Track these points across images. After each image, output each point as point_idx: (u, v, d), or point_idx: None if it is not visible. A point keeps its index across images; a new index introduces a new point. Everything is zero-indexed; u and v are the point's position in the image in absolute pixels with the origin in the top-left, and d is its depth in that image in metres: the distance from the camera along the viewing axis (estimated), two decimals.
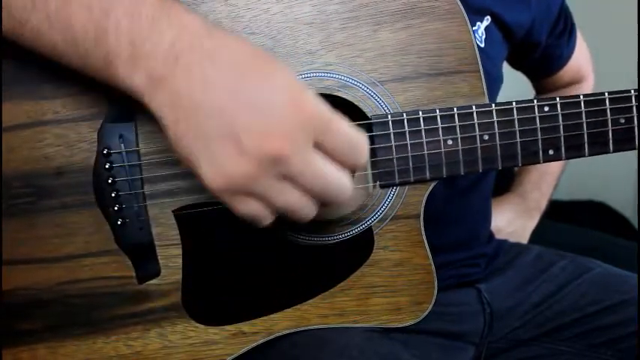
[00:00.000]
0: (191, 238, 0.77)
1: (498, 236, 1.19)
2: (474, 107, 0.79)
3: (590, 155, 0.83)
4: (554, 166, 1.32)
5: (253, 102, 0.60)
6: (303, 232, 0.79)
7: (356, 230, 0.80)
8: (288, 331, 0.80)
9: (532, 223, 1.31)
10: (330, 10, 0.77)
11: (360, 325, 0.82)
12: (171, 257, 0.77)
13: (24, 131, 0.73)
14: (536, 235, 1.30)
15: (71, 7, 0.64)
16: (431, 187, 0.81)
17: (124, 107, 0.74)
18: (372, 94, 0.78)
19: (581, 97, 0.81)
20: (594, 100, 0.81)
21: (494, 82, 1.01)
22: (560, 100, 0.80)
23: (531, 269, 1.09)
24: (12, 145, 0.73)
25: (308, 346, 0.80)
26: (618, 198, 2.15)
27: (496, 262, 1.11)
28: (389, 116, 0.78)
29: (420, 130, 0.78)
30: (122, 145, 0.74)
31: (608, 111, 0.82)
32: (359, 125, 0.81)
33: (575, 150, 0.82)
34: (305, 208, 0.64)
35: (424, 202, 0.81)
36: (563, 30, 1.17)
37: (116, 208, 0.75)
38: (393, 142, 0.78)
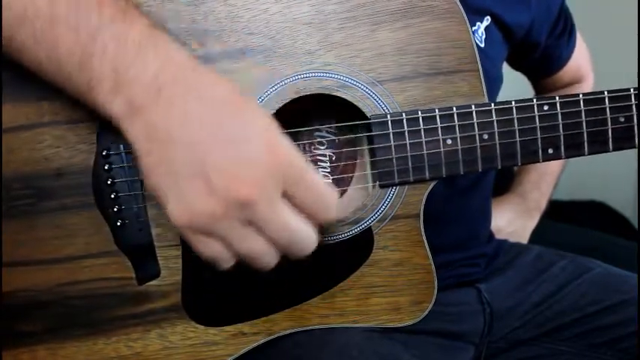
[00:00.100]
0: None
1: (498, 236, 1.19)
2: (473, 107, 0.79)
3: (589, 154, 0.83)
4: (554, 166, 1.32)
5: (230, 140, 0.60)
6: None
7: (355, 230, 0.80)
8: (288, 332, 0.80)
9: (532, 223, 1.31)
10: (328, 10, 0.77)
11: (360, 325, 0.82)
12: (171, 258, 0.77)
13: (24, 133, 0.73)
14: (536, 235, 1.30)
15: (58, 28, 0.63)
16: (430, 187, 0.81)
17: None
18: (371, 93, 0.78)
19: (581, 95, 0.81)
20: (594, 99, 0.81)
21: (494, 82, 1.01)
22: (559, 99, 0.80)
23: (531, 269, 1.09)
24: (12, 146, 0.73)
25: (308, 346, 0.80)
26: (618, 198, 2.14)
27: (496, 262, 1.11)
28: (388, 116, 0.78)
29: (419, 129, 0.78)
30: (121, 146, 0.74)
31: (608, 110, 0.82)
32: (358, 125, 0.81)
33: (574, 149, 0.82)
34: (266, 256, 0.63)
35: (424, 201, 0.81)
36: (563, 30, 1.17)
37: (115, 209, 0.75)
38: (392, 141, 0.78)
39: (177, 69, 0.63)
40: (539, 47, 1.13)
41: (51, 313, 0.76)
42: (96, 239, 0.75)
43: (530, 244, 1.23)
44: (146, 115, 0.61)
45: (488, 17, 0.99)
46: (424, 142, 0.79)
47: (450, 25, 0.79)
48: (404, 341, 0.87)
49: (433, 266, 0.82)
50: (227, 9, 0.75)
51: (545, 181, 1.32)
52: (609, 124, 0.82)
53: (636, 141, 0.84)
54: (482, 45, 0.98)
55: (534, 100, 0.80)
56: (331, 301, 0.80)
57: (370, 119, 0.78)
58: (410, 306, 0.82)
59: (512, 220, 1.28)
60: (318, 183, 0.63)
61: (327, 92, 0.77)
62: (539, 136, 0.80)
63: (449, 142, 0.79)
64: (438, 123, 0.78)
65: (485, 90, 0.80)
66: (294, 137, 0.83)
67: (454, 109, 0.78)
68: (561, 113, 0.80)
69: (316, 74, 0.77)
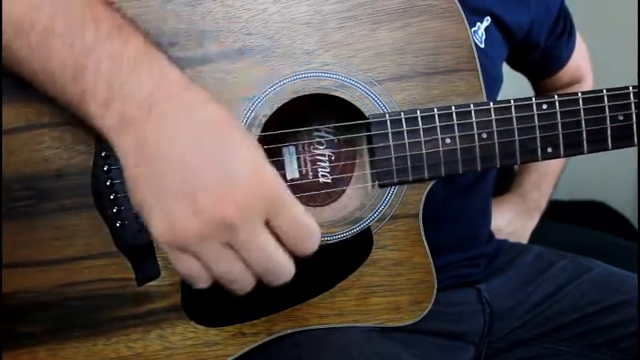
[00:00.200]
0: None
1: (498, 236, 1.19)
2: (471, 106, 0.79)
3: (589, 152, 0.83)
4: (554, 166, 1.32)
5: (218, 161, 0.60)
6: None
7: (355, 230, 0.80)
8: (288, 332, 0.80)
9: (532, 223, 1.31)
10: (326, 9, 0.77)
11: (360, 325, 0.82)
12: None
13: (23, 134, 0.73)
14: (536, 235, 1.30)
15: (52, 41, 0.63)
16: (429, 186, 0.81)
17: None
18: (370, 93, 0.78)
19: (580, 94, 0.81)
20: (592, 98, 0.81)
21: (494, 82, 1.02)
22: (558, 97, 0.80)
23: (531, 269, 1.09)
24: (12, 147, 0.73)
25: (308, 345, 0.80)
26: (618, 198, 2.14)
27: (496, 262, 1.11)
28: (387, 115, 0.78)
29: (418, 129, 0.78)
30: None
31: (607, 108, 0.82)
32: (357, 125, 0.81)
33: (573, 147, 0.82)
34: (243, 281, 0.63)
35: (423, 201, 0.81)
36: (563, 31, 1.17)
37: (115, 210, 0.75)
38: (391, 141, 0.78)
39: (171, 87, 0.63)
40: (539, 47, 1.14)
41: (51, 314, 0.76)
42: (95, 240, 0.75)
43: (530, 244, 1.22)
44: (137, 130, 0.61)
45: (488, 18, 1.00)
46: (423, 142, 0.79)
47: (449, 25, 0.79)
48: (404, 341, 0.87)
49: (432, 266, 0.82)
50: (225, 9, 0.76)
51: (546, 181, 1.32)
52: (608, 122, 0.82)
53: (635, 139, 0.84)
54: (483, 45, 0.98)
55: (533, 99, 0.80)
56: (331, 300, 0.80)
57: (369, 119, 0.78)
58: (409, 305, 0.82)
59: (512, 220, 1.28)
60: (301, 216, 0.63)
61: (325, 92, 0.77)
62: (538, 135, 0.80)
63: (448, 141, 0.79)
64: (437, 122, 0.79)
65: (483, 89, 0.80)
66: (294, 137, 0.83)
67: (453, 108, 0.79)
68: (560, 112, 0.80)
69: (315, 74, 0.77)
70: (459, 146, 0.79)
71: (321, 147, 0.85)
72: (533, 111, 0.80)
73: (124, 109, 0.62)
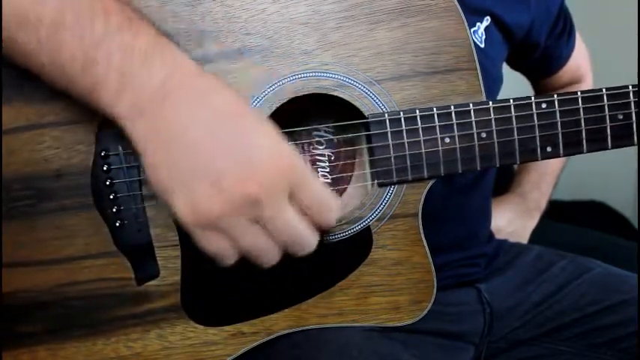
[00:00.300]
0: (190, 239, 0.77)
1: (498, 236, 1.18)
2: (471, 105, 0.79)
3: (588, 152, 0.83)
4: (554, 166, 1.32)
5: (235, 146, 0.62)
6: None
7: (354, 229, 0.80)
8: (287, 331, 0.80)
9: (532, 223, 1.31)
10: (325, 9, 0.77)
11: (360, 325, 0.82)
12: (170, 258, 0.77)
13: (23, 134, 0.73)
14: (536, 235, 1.30)
15: (62, 34, 0.63)
16: (429, 186, 0.81)
17: None
18: (369, 93, 0.78)
19: (579, 93, 0.81)
20: (592, 97, 0.81)
21: (494, 82, 1.02)
22: (557, 96, 0.80)
23: (531, 269, 1.09)
24: (12, 147, 0.73)
25: (308, 345, 0.80)
26: (618, 198, 2.14)
27: (496, 262, 1.11)
28: (386, 115, 0.78)
29: (418, 128, 0.78)
30: (120, 147, 0.74)
31: (606, 107, 0.82)
32: (356, 125, 0.81)
33: (573, 147, 0.82)
34: (269, 253, 0.66)
35: (422, 200, 0.81)
36: (563, 30, 1.17)
37: (114, 210, 0.75)
38: (390, 140, 0.78)
39: (184, 75, 0.64)
40: (539, 47, 1.14)
41: (51, 313, 0.76)
42: (95, 240, 0.75)
43: (530, 244, 1.22)
44: (151, 118, 0.63)
45: (488, 17, 1.00)
46: (422, 141, 0.79)
47: (448, 24, 0.79)
48: (403, 341, 0.87)
49: (432, 265, 0.82)
50: (224, 9, 0.76)
51: (545, 181, 1.32)
52: (608, 121, 0.82)
53: (635, 139, 0.83)
54: (482, 45, 0.98)
55: (532, 98, 0.80)
56: (330, 300, 0.80)
57: (368, 118, 0.78)
58: (409, 305, 0.82)
59: (512, 220, 1.28)
60: (321, 189, 0.66)
61: (324, 92, 0.78)
62: (537, 134, 0.80)
63: (447, 140, 0.79)
64: (436, 122, 0.79)
65: (483, 88, 0.80)
66: (293, 137, 0.83)
67: (452, 107, 0.79)
68: (559, 111, 0.80)
69: (314, 74, 0.77)
70: (458, 145, 0.79)
71: (321, 147, 0.85)
72: (532, 110, 0.80)
73: (135, 99, 0.63)
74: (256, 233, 0.64)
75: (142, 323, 0.78)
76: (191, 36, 0.75)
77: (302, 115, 0.83)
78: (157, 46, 0.64)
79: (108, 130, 0.74)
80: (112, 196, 0.74)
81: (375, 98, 0.78)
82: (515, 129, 0.80)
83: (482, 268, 1.07)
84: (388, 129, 0.78)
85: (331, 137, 0.86)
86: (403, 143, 0.78)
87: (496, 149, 0.80)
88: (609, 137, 0.82)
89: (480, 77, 0.80)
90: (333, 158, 0.86)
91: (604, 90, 0.82)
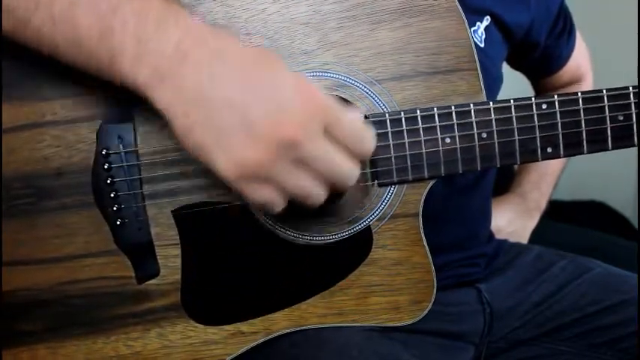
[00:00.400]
0: (190, 238, 0.77)
1: (498, 236, 1.18)
2: (471, 105, 0.79)
3: (588, 153, 0.82)
4: (554, 166, 1.32)
5: (263, 95, 0.62)
6: (301, 231, 0.79)
7: (354, 229, 0.80)
8: (287, 331, 0.80)
9: (532, 223, 1.31)
10: (325, 9, 0.77)
11: (359, 325, 0.82)
12: (170, 257, 0.77)
13: (24, 132, 0.74)
14: (536, 235, 1.30)
15: (77, 8, 0.64)
16: (429, 186, 0.81)
17: (122, 108, 0.74)
18: (370, 93, 0.78)
19: (579, 94, 0.81)
20: (592, 98, 0.81)
21: (494, 82, 1.02)
22: (558, 97, 0.80)
23: (531, 269, 1.09)
24: (12, 146, 0.73)
25: (307, 345, 0.80)
26: (618, 198, 2.14)
27: (496, 262, 1.11)
28: (386, 115, 0.78)
29: (418, 128, 0.78)
30: (121, 145, 0.74)
31: (607, 108, 0.82)
32: None
33: (573, 147, 0.82)
34: (315, 192, 0.66)
35: (423, 200, 0.81)
36: (563, 30, 1.17)
37: (115, 209, 0.75)
38: (390, 140, 0.78)
39: (199, 36, 0.64)
40: (539, 47, 1.14)
41: (51, 312, 0.76)
42: (96, 238, 0.76)
43: (530, 244, 1.22)
44: (175, 80, 0.63)
45: (488, 17, 1.00)
46: (423, 141, 0.79)
47: (450, 24, 0.79)
48: (403, 341, 0.87)
49: (432, 265, 0.82)
50: (224, 9, 0.76)
51: (546, 181, 1.32)
52: (608, 122, 0.82)
53: (635, 139, 0.83)
54: (482, 45, 0.98)
55: (533, 98, 0.80)
56: (330, 300, 0.80)
57: (368, 118, 0.78)
58: (409, 305, 0.82)
59: (512, 220, 1.28)
60: (354, 121, 0.67)
61: (325, 92, 0.77)
62: (537, 134, 0.80)
63: (447, 140, 0.79)
64: (437, 122, 0.79)
65: (483, 89, 0.80)
66: None
67: (453, 107, 0.79)
68: (560, 112, 0.80)
69: (315, 74, 0.77)
70: (458, 146, 0.79)
71: None
72: (532, 111, 0.80)
73: (155, 65, 0.63)
74: (299, 175, 0.64)
75: (142, 322, 0.78)
76: None
77: None
78: (170, 10, 0.65)
79: (109, 128, 0.74)
80: (112, 195, 0.75)
81: (375, 98, 0.78)
82: (515, 129, 0.80)
83: (483, 268, 1.07)
84: (389, 129, 0.78)
85: None
86: (404, 143, 0.78)
87: (496, 149, 0.80)
88: (610, 138, 0.82)
89: (481, 78, 0.80)
90: None
91: (604, 91, 0.82)
